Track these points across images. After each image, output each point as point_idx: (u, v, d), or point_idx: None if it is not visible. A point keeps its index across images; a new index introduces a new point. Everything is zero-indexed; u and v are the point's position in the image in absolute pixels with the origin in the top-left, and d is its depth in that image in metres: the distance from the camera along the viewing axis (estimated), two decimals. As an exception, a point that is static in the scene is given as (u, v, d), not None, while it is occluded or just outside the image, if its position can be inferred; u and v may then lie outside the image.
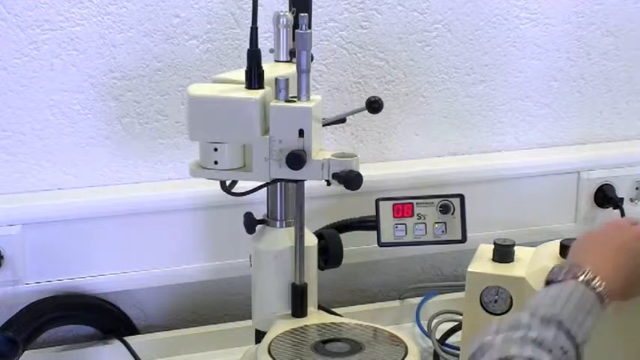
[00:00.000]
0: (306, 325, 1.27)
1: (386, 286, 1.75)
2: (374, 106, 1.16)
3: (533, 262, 1.32)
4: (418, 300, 1.64)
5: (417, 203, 1.40)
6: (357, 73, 1.66)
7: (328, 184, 1.16)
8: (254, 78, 1.18)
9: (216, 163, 1.18)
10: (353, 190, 1.11)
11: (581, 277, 1.06)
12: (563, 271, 1.08)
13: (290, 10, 1.30)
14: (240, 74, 1.20)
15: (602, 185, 1.77)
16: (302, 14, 1.15)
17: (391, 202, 1.40)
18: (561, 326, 0.98)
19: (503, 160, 1.76)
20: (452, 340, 1.51)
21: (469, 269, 1.31)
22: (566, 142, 1.85)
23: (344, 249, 1.43)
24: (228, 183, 1.25)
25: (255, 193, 1.26)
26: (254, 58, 1.18)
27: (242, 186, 1.25)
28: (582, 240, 1.19)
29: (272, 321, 1.28)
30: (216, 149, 1.17)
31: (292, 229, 1.29)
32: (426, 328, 1.54)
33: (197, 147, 1.19)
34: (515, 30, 1.75)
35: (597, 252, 1.13)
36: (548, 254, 1.32)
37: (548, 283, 1.09)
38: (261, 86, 1.18)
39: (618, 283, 1.09)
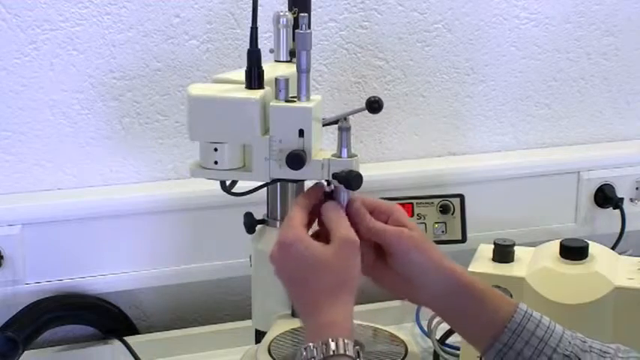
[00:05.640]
0: (306, 325, 1.27)
1: (386, 286, 1.75)
2: (374, 106, 1.15)
3: (533, 262, 1.32)
4: (418, 300, 1.63)
5: (417, 203, 1.40)
6: (357, 73, 1.66)
7: (328, 184, 1.15)
8: (254, 78, 1.17)
9: (216, 163, 1.17)
10: (353, 190, 1.10)
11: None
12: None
13: (290, 10, 1.30)
14: (240, 74, 1.20)
15: (602, 185, 1.77)
16: (302, 14, 1.14)
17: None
18: None
19: (503, 160, 1.76)
20: (452, 340, 1.51)
21: (469, 269, 1.31)
22: (566, 142, 1.85)
23: (344, 249, 1.43)
24: (228, 183, 1.25)
25: (255, 193, 1.26)
26: (254, 58, 1.18)
27: (242, 186, 1.25)
28: (291, 291, 1.04)
29: (272, 321, 1.28)
30: (216, 149, 1.17)
31: (292, 229, 1.28)
32: (426, 328, 1.54)
33: (197, 147, 1.19)
34: (515, 30, 1.75)
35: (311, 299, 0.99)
36: (548, 254, 1.32)
37: None
38: (261, 86, 1.17)
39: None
